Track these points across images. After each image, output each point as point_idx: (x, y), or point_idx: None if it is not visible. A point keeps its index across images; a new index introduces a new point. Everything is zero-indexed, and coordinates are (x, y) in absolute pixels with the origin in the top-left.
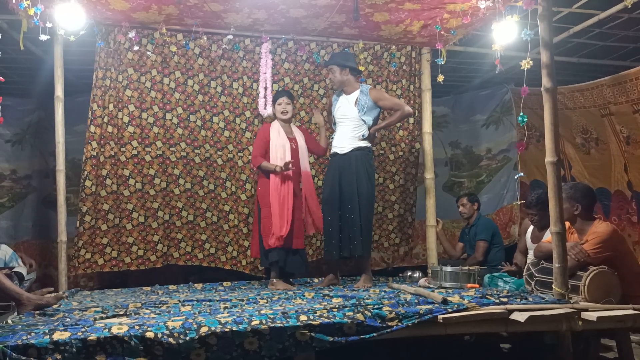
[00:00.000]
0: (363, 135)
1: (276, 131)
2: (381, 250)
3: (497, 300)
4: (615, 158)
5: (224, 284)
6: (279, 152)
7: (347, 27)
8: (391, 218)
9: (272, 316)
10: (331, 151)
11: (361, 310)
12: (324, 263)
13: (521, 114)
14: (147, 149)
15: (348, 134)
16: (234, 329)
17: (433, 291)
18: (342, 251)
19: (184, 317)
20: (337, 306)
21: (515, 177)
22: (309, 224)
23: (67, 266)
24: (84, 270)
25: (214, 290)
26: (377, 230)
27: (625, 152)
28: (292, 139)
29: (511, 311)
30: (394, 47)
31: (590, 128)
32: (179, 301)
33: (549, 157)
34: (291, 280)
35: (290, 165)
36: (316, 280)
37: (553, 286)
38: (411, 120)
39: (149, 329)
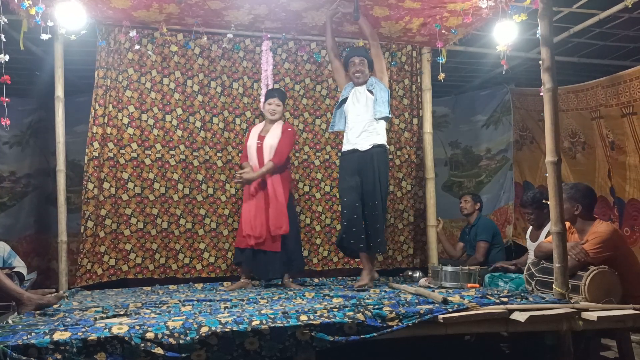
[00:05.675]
0: (376, 118)
1: (255, 131)
2: (395, 264)
3: (497, 300)
4: (600, 163)
5: (225, 284)
6: (249, 153)
7: (348, 23)
8: (401, 228)
9: (272, 316)
10: (346, 148)
11: (361, 310)
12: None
13: None
14: (146, 151)
15: (364, 127)
16: (234, 329)
17: (433, 291)
18: (360, 244)
19: (184, 317)
20: (337, 306)
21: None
22: (272, 225)
23: (67, 267)
24: (85, 282)
25: (214, 290)
26: (389, 244)
27: (610, 158)
28: (261, 137)
29: (511, 311)
30: (394, 46)
31: (579, 131)
32: (179, 301)
33: (550, 157)
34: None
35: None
36: (316, 281)
37: (553, 286)
38: (415, 121)
39: (149, 329)
